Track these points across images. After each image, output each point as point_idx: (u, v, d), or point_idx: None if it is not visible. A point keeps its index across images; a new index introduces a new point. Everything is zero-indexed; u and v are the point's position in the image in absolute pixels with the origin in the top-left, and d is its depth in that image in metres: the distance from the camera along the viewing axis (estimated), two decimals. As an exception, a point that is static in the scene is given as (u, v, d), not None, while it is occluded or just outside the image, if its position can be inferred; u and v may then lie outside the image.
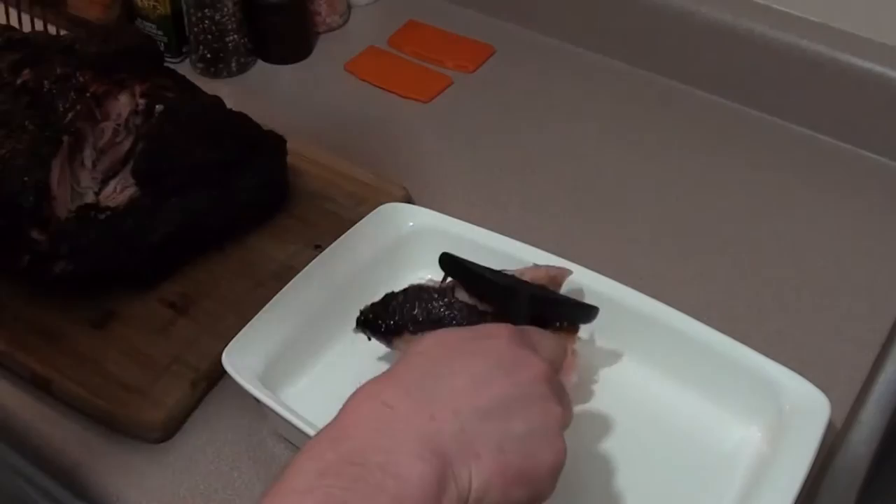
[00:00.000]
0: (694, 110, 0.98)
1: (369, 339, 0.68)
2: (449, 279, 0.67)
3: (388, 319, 0.66)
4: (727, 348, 0.68)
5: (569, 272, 0.68)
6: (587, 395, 0.70)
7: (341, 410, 0.49)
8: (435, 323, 0.65)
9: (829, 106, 0.92)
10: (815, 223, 0.86)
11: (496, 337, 0.52)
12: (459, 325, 0.63)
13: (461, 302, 0.65)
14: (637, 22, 1.00)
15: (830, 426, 0.64)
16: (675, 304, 0.70)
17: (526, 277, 0.66)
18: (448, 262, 0.66)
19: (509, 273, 0.66)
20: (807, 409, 0.64)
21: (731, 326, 0.69)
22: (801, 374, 0.66)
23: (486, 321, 0.62)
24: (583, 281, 0.72)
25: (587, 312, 0.66)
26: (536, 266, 0.68)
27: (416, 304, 0.65)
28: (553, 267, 0.68)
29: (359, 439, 0.46)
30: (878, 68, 0.88)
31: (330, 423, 0.48)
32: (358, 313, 0.68)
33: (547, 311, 0.64)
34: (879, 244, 0.84)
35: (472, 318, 0.64)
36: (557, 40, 1.06)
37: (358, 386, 0.50)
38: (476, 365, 0.50)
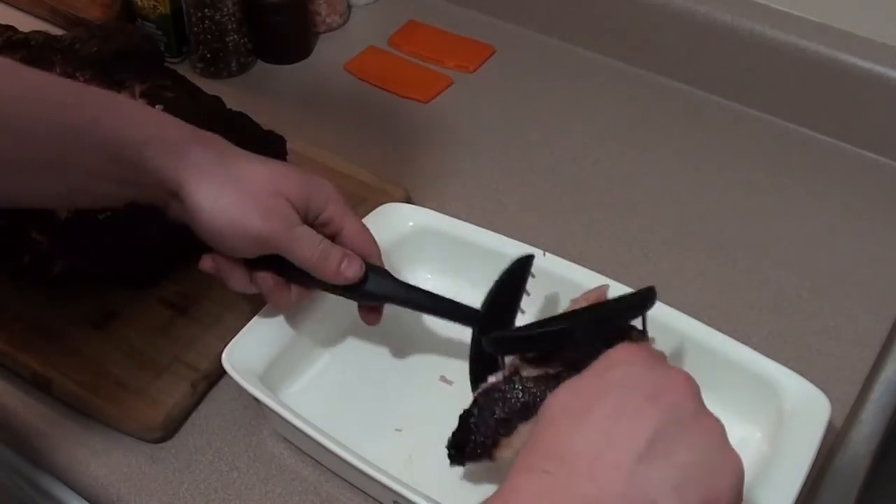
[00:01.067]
0: (694, 110, 0.98)
1: (464, 463, 0.62)
2: (508, 362, 0.62)
3: (476, 438, 0.61)
4: (727, 348, 0.68)
5: (607, 287, 0.65)
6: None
7: (508, 485, 0.45)
8: (521, 413, 0.59)
9: (829, 106, 0.92)
10: (814, 223, 0.86)
11: (625, 363, 0.48)
12: (543, 400, 0.55)
13: (531, 378, 0.60)
14: (637, 22, 1.00)
15: (830, 426, 0.64)
16: (675, 304, 0.70)
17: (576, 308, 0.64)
18: (496, 342, 0.61)
19: (557, 316, 0.63)
20: (807, 409, 0.64)
21: (731, 326, 0.69)
22: (801, 374, 0.66)
23: (563, 379, 0.54)
24: (582, 281, 0.72)
25: (647, 297, 0.59)
26: (575, 300, 0.65)
27: (493, 408, 0.60)
28: (591, 291, 0.66)
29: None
30: (878, 68, 0.88)
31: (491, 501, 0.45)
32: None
33: (611, 325, 0.59)
34: (879, 244, 0.84)
35: (550, 384, 0.58)
36: (557, 40, 1.06)
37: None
38: (615, 401, 0.46)
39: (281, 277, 0.66)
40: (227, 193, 0.61)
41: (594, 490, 0.43)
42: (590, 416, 0.46)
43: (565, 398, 0.48)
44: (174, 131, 0.62)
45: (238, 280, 0.66)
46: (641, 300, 0.59)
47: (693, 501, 0.44)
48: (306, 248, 0.63)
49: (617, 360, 0.49)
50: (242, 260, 0.65)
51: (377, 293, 0.67)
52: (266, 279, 0.65)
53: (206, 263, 0.66)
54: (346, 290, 0.66)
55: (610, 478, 0.43)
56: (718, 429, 0.47)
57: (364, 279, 0.66)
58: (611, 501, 0.42)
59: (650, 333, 0.60)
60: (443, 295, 0.68)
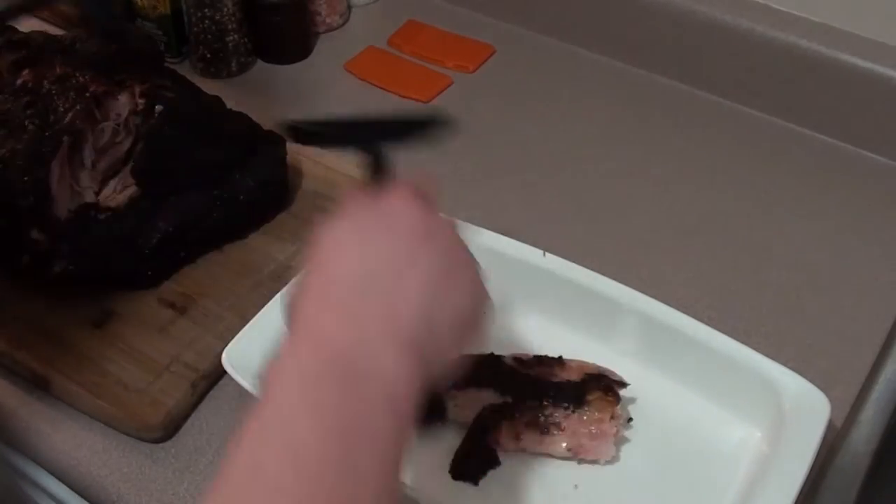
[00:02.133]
0: (694, 110, 0.97)
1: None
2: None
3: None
4: (727, 348, 0.68)
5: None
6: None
7: (294, 325, 0.47)
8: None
9: (829, 106, 0.92)
10: (815, 223, 0.86)
11: (401, 213, 0.51)
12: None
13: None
14: (637, 22, 1.00)
15: (830, 426, 0.64)
16: (675, 304, 0.70)
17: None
18: (289, 129, 0.62)
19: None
20: (807, 409, 0.64)
21: (731, 326, 0.69)
22: (801, 374, 0.66)
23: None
24: (582, 281, 0.72)
25: (433, 120, 0.60)
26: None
27: None
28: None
29: (330, 344, 0.45)
30: (878, 68, 0.88)
31: (290, 339, 0.46)
32: None
33: (393, 128, 0.60)
34: (879, 244, 0.84)
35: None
36: (557, 40, 1.06)
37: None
38: (398, 245, 0.50)
39: None
40: None
41: (398, 322, 0.47)
42: (373, 251, 0.49)
43: (344, 230, 0.51)
44: None
45: None
46: (427, 119, 0.61)
47: (461, 325, 0.50)
48: None
49: (394, 201, 0.52)
50: None
51: None
52: None
53: None
54: None
55: (409, 310, 0.47)
56: (474, 264, 0.53)
57: None
58: (413, 330, 0.47)
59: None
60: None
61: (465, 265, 0.52)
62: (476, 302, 0.52)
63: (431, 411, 0.64)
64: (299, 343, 0.46)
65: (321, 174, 0.86)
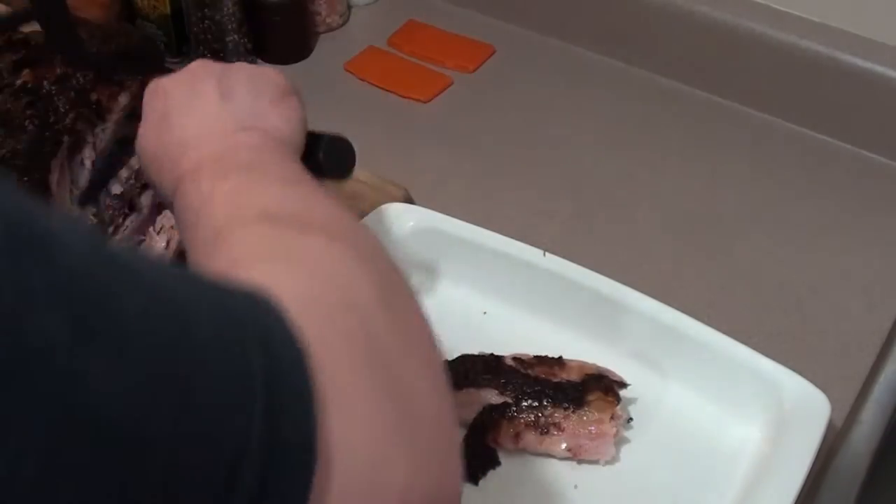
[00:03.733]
0: (694, 110, 0.97)
1: None
2: None
3: None
4: (727, 348, 0.68)
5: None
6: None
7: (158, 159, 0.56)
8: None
9: (829, 106, 0.92)
10: (814, 223, 0.86)
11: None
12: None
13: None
14: (637, 22, 1.00)
15: (830, 426, 0.64)
16: (675, 304, 0.70)
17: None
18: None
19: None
20: (807, 409, 0.64)
21: (731, 326, 0.69)
22: (801, 374, 0.66)
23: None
24: (582, 281, 0.72)
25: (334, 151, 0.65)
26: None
27: None
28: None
29: (203, 146, 0.54)
30: (878, 68, 0.88)
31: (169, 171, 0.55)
32: None
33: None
34: (879, 244, 0.84)
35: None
36: (557, 40, 1.06)
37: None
38: (189, 88, 0.58)
39: None
40: None
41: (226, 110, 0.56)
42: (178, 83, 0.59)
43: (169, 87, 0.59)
44: None
45: None
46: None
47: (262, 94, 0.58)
48: None
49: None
50: None
51: None
52: None
53: None
54: None
55: (210, 122, 0.56)
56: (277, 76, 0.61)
57: None
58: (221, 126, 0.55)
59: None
60: None
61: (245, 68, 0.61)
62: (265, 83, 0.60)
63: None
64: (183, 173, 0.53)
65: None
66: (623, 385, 0.67)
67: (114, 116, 0.76)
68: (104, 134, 0.75)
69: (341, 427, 0.33)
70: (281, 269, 0.40)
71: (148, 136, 0.58)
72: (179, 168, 0.53)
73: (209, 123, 0.55)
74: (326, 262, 0.41)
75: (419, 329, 0.41)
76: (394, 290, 0.42)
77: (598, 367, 0.68)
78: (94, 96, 0.75)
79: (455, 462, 0.39)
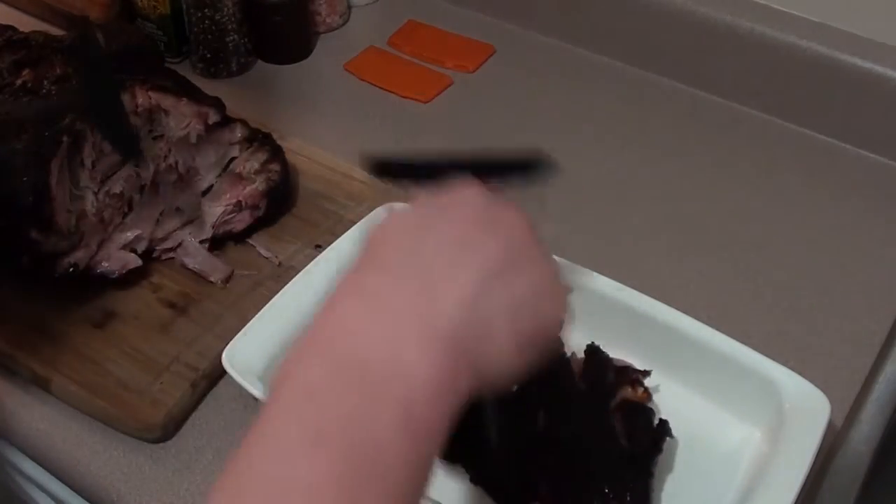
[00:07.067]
0: (694, 110, 0.97)
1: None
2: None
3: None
4: (727, 348, 0.68)
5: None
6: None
7: (319, 316, 0.40)
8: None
9: (829, 106, 0.92)
10: (814, 223, 0.86)
11: (466, 202, 0.45)
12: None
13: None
14: (637, 22, 1.00)
15: (830, 426, 0.64)
16: (675, 304, 0.70)
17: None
18: (374, 164, 0.57)
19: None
20: (807, 409, 0.64)
21: (731, 326, 0.69)
22: (801, 374, 0.66)
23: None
24: (582, 281, 0.72)
25: (534, 161, 0.55)
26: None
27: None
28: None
29: (349, 342, 0.38)
30: (878, 68, 0.88)
31: (309, 334, 0.40)
32: None
33: (488, 168, 0.56)
34: (879, 244, 0.84)
35: None
36: (557, 40, 1.06)
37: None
38: (456, 231, 0.43)
39: None
40: None
41: (434, 311, 0.39)
42: (427, 242, 0.42)
43: (404, 220, 0.44)
44: None
45: None
46: (528, 160, 0.57)
47: (525, 331, 0.42)
48: None
49: (464, 197, 0.46)
50: None
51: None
52: None
53: None
54: None
55: (449, 298, 0.40)
56: (554, 267, 0.46)
57: None
58: (451, 324, 0.39)
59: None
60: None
61: (536, 258, 0.45)
62: (545, 299, 0.45)
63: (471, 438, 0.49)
64: (311, 342, 0.40)
65: (321, 174, 0.86)
66: (647, 373, 0.67)
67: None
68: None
69: None
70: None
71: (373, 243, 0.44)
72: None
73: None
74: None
75: None
76: None
77: (621, 360, 0.68)
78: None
79: None
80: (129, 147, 0.67)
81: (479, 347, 0.40)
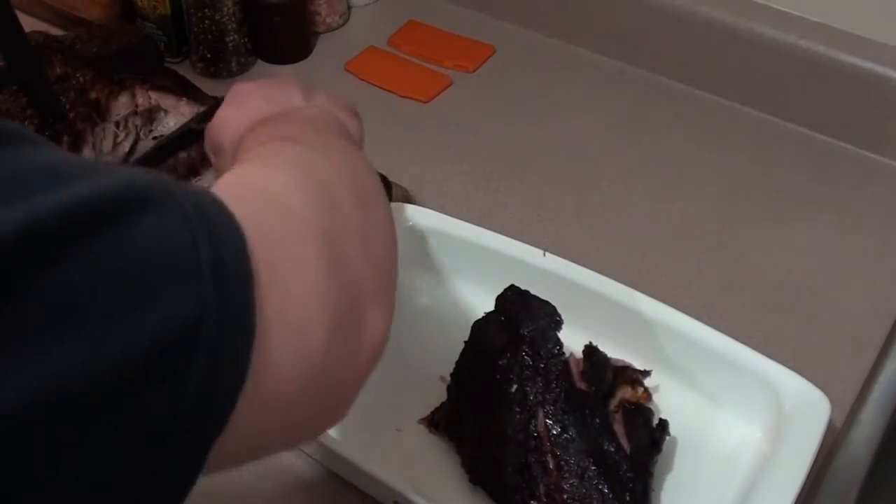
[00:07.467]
0: (694, 110, 0.97)
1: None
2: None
3: None
4: (727, 348, 0.68)
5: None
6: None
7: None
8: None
9: (829, 106, 0.92)
10: (814, 223, 0.86)
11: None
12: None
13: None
14: (637, 22, 1.00)
15: (830, 426, 0.64)
16: (675, 304, 0.70)
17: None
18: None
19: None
20: (807, 409, 0.64)
21: (731, 326, 0.69)
22: (801, 374, 0.66)
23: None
24: (582, 281, 0.72)
25: None
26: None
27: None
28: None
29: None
30: (878, 68, 0.88)
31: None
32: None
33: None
34: (879, 244, 0.84)
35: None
36: (557, 40, 1.06)
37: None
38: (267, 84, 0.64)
39: None
40: None
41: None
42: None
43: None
44: None
45: None
46: None
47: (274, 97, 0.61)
48: None
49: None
50: None
51: None
52: None
53: None
54: None
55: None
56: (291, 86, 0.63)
57: None
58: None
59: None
60: None
61: (284, 83, 0.64)
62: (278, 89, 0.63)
63: None
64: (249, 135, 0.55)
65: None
66: (647, 373, 0.67)
67: (113, 116, 0.76)
68: (104, 134, 0.75)
69: (277, 299, 0.36)
70: (267, 164, 0.47)
71: (225, 109, 0.61)
72: (245, 129, 0.56)
73: (286, 105, 0.60)
74: (312, 161, 0.48)
75: (381, 231, 0.48)
76: (370, 200, 0.49)
77: (620, 360, 0.68)
78: (93, 96, 0.75)
79: (378, 303, 0.44)
80: (55, 111, 0.72)
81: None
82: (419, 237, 0.77)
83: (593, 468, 0.60)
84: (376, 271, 0.45)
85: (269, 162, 0.47)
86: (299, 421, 0.41)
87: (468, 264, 0.76)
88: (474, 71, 1.03)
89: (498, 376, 0.64)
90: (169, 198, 0.34)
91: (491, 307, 0.68)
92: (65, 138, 0.73)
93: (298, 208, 0.42)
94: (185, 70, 0.95)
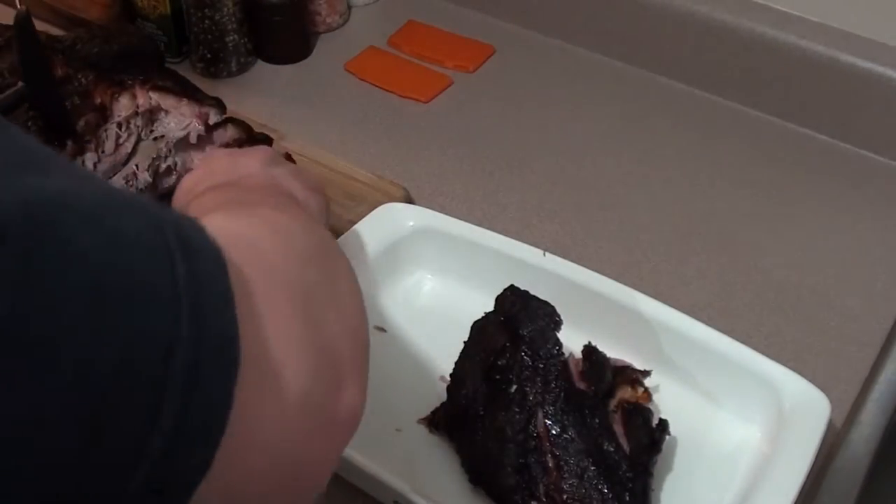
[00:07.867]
0: (694, 110, 0.98)
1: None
2: None
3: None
4: (727, 348, 0.68)
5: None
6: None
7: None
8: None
9: (829, 106, 0.92)
10: (814, 223, 0.86)
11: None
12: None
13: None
14: (637, 22, 1.00)
15: (830, 426, 0.64)
16: (675, 304, 0.70)
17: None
18: None
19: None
20: (807, 409, 0.64)
21: (731, 326, 0.69)
22: (801, 374, 0.66)
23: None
24: (582, 281, 0.72)
25: None
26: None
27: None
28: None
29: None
30: (878, 68, 0.88)
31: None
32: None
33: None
34: (879, 244, 0.84)
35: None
36: (557, 40, 1.06)
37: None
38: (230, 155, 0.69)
39: None
40: None
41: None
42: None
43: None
44: None
45: None
46: None
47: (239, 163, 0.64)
48: None
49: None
50: None
51: None
52: None
53: None
54: None
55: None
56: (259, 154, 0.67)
57: None
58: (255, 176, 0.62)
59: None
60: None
61: (254, 152, 0.68)
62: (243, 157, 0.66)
63: None
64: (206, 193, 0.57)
65: (321, 174, 0.86)
66: (647, 373, 0.67)
67: (114, 117, 0.76)
68: (106, 135, 0.75)
69: (254, 331, 0.36)
70: (231, 214, 0.47)
71: (190, 176, 0.64)
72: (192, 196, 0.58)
73: (244, 171, 0.62)
74: (272, 218, 0.48)
75: (353, 302, 0.47)
76: (329, 255, 0.49)
77: (620, 360, 0.68)
78: (97, 100, 0.75)
79: (354, 378, 0.42)
80: (65, 127, 0.73)
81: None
82: (419, 237, 0.77)
83: (593, 468, 0.60)
84: (352, 343, 0.44)
85: (233, 213, 0.48)
86: (275, 483, 0.38)
87: (468, 264, 0.76)
88: (474, 71, 1.03)
89: (497, 376, 0.64)
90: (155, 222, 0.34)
91: (491, 307, 0.68)
92: (68, 143, 0.73)
93: (271, 253, 0.42)
94: (185, 70, 0.95)
